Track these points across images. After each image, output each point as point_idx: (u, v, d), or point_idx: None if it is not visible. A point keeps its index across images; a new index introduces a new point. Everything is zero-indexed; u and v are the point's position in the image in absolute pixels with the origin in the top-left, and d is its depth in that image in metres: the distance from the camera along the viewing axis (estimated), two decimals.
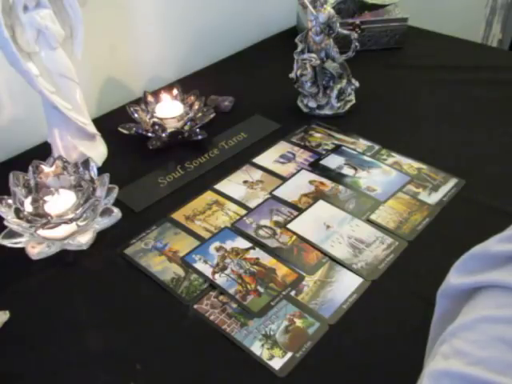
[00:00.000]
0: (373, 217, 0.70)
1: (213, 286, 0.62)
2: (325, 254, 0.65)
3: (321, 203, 0.73)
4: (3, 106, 0.84)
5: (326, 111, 0.92)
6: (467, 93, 0.97)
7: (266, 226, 0.70)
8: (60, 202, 0.66)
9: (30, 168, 0.68)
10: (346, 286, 0.61)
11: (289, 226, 0.70)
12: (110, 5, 0.91)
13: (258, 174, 0.80)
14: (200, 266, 0.64)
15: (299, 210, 0.72)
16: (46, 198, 0.66)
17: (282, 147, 0.85)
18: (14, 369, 0.55)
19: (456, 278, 0.33)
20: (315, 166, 0.80)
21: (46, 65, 0.72)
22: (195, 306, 0.60)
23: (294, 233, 0.69)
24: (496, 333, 0.27)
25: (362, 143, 0.85)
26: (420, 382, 0.30)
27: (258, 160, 0.83)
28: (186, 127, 0.85)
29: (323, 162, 0.81)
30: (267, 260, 0.65)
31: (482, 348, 0.27)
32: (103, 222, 0.69)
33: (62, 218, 0.64)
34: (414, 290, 0.60)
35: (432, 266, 0.62)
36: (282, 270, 0.63)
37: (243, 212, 0.73)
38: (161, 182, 0.79)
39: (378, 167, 0.79)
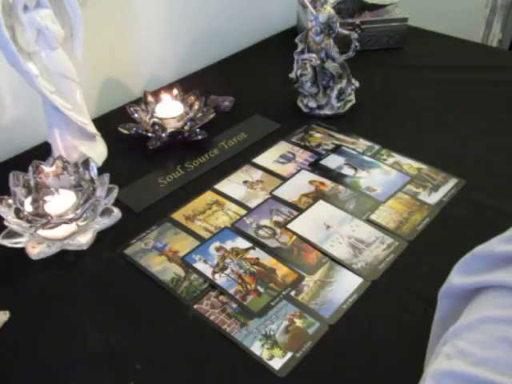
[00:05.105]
0: (373, 217, 0.70)
1: (213, 285, 0.62)
2: (325, 254, 0.65)
3: (321, 203, 0.73)
4: (5, 107, 0.84)
5: (326, 111, 0.92)
6: (467, 93, 0.97)
7: (266, 226, 0.70)
8: (60, 202, 0.66)
9: (30, 168, 0.68)
10: (346, 286, 0.61)
11: (289, 226, 0.70)
12: (110, 4, 0.91)
13: (257, 174, 0.80)
14: (200, 265, 0.64)
15: (299, 209, 0.72)
16: (46, 198, 0.66)
17: (281, 147, 0.85)
18: (14, 369, 0.55)
19: (458, 278, 0.33)
20: (315, 166, 0.80)
21: (46, 65, 0.72)
22: (195, 306, 0.60)
23: (294, 233, 0.69)
24: (499, 333, 0.27)
25: (362, 143, 0.85)
26: (422, 383, 0.30)
27: (258, 160, 0.83)
28: (186, 127, 0.85)
29: (323, 162, 0.81)
30: (267, 260, 0.65)
31: (485, 348, 0.27)
32: (103, 222, 0.69)
33: (62, 218, 0.64)
34: (414, 289, 0.60)
35: (432, 265, 0.62)
36: (282, 270, 0.63)
37: (243, 212, 0.73)
38: (161, 182, 0.79)
39: (378, 167, 0.79)
